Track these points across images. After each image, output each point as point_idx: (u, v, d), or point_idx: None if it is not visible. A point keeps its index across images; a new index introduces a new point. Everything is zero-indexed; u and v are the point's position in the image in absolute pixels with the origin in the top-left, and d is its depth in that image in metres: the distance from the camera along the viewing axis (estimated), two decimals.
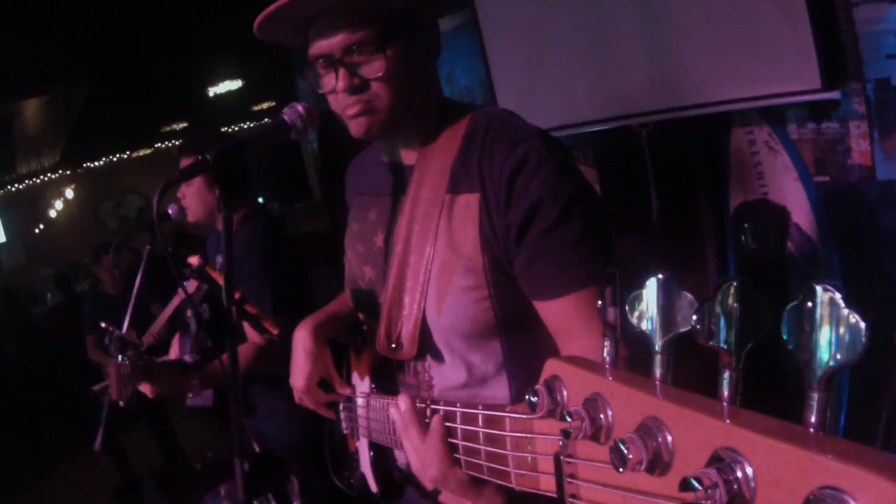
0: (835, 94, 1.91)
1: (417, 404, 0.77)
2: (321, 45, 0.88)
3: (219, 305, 0.80)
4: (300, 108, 0.93)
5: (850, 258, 2.09)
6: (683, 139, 2.65)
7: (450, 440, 0.64)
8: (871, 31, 1.80)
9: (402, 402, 0.75)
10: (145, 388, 1.63)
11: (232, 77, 6.71)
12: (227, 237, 0.84)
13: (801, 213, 2.26)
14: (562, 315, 0.86)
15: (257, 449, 1.79)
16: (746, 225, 2.45)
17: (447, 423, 0.65)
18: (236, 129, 8.72)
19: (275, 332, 0.99)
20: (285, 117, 0.93)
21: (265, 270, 1.82)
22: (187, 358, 1.63)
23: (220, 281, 0.87)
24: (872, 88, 1.86)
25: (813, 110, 2.09)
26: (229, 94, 6.84)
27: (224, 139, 0.84)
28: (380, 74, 0.87)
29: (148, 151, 9.57)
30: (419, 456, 0.71)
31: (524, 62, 3.15)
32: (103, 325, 1.66)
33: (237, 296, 0.81)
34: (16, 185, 9.18)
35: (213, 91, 6.78)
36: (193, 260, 1.17)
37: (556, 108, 2.93)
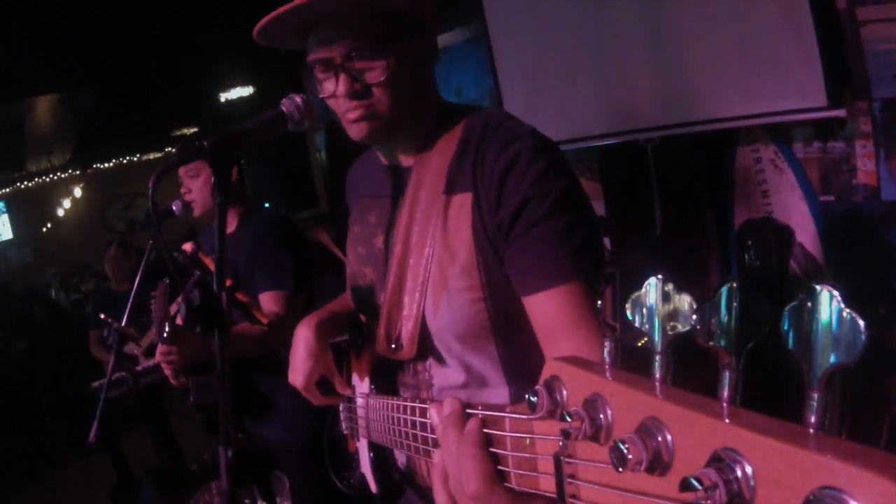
0: (840, 112, 1.91)
1: (417, 404, 0.77)
2: (321, 51, 0.89)
3: (210, 292, 0.80)
4: (298, 99, 0.94)
5: (854, 278, 2.08)
6: (689, 155, 2.66)
7: None
8: (879, 51, 1.81)
9: (448, 405, 0.59)
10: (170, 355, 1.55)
11: (244, 83, 6.77)
12: (220, 225, 0.84)
13: (805, 231, 2.26)
14: (547, 311, 0.85)
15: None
16: (750, 242, 2.45)
17: None
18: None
19: (265, 321, 0.99)
20: (283, 108, 0.94)
21: (285, 248, 1.86)
22: None
23: (213, 267, 0.87)
24: (879, 108, 1.87)
25: (819, 129, 2.10)
26: (241, 100, 6.89)
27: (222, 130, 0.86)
28: (381, 80, 0.88)
29: (158, 155, 9.63)
30: (456, 468, 0.55)
31: (532, 76, 3.17)
32: (102, 316, 1.66)
33: (228, 283, 0.81)
34: (25, 183, 9.25)
35: (224, 97, 6.84)
36: (187, 246, 1.18)
37: (563, 121, 2.94)
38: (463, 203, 0.90)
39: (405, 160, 1.01)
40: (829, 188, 2.13)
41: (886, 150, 1.90)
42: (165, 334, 1.47)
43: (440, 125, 0.97)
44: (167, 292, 1.54)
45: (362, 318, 1.15)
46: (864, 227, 2.02)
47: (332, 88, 0.90)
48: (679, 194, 2.75)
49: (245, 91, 6.84)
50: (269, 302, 1.78)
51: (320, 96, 0.94)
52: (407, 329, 0.95)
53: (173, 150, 9.30)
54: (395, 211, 1.02)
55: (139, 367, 2.63)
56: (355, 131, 0.93)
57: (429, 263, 0.93)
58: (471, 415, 0.57)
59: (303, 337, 1.09)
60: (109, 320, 1.64)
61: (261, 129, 0.94)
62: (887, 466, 0.29)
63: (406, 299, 0.95)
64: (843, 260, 2.14)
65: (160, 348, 1.54)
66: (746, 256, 2.48)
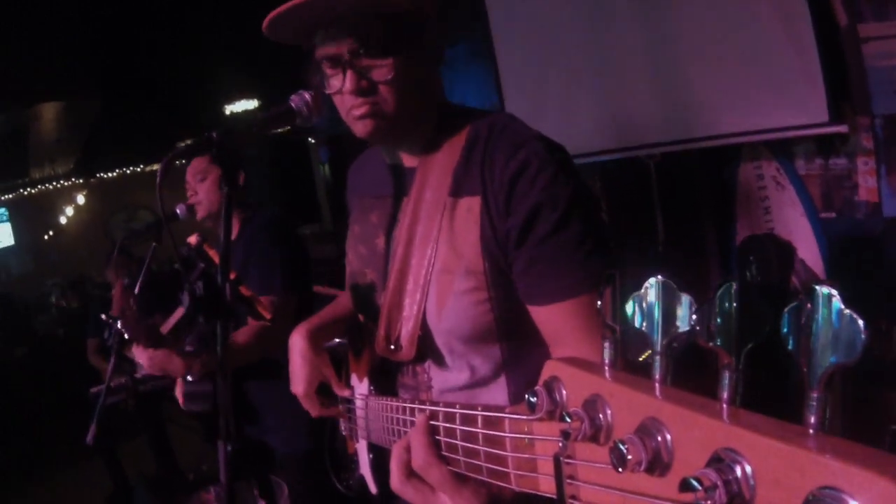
0: (842, 128, 1.92)
1: (416, 405, 0.77)
2: (330, 47, 0.90)
3: (213, 284, 0.80)
4: (307, 95, 0.94)
5: (856, 294, 2.08)
6: (691, 171, 2.67)
7: (449, 440, 0.64)
8: (880, 67, 1.83)
9: (421, 417, 0.71)
10: (142, 357, 1.54)
11: (249, 96, 6.83)
12: (226, 216, 0.84)
13: (806, 248, 2.26)
14: (556, 321, 0.86)
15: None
16: (752, 258, 2.45)
17: (446, 424, 0.64)
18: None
19: (268, 315, 0.98)
20: (291, 104, 0.94)
21: (276, 249, 1.85)
22: (188, 348, 1.61)
23: (217, 260, 0.87)
24: (880, 124, 1.88)
25: (821, 146, 2.10)
26: (245, 112, 6.94)
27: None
28: (388, 78, 0.89)
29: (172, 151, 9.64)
30: (408, 449, 0.68)
31: (535, 91, 3.19)
32: (103, 316, 1.65)
33: (232, 276, 0.81)
34: (28, 190, 9.29)
35: (229, 109, 6.89)
36: (192, 239, 1.17)
37: (566, 136, 2.92)
38: (471, 207, 0.90)
39: (408, 160, 1.02)
40: (830, 205, 2.14)
41: (888, 166, 1.91)
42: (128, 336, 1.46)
43: (444, 126, 0.97)
44: (127, 294, 1.53)
45: (361, 318, 1.14)
46: (866, 244, 2.02)
47: (339, 85, 0.90)
48: (681, 210, 2.75)
49: (250, 104, 6.90)
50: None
51: (327, 92, 0.94)
52: (406, 330, 0.95)
53: (177, 162, 9.31)
54: (397, 211, 1.02)
55: (138, 375, 2.63)
56: (360, 128, 0.93)
57: (431, 265, 0.92)
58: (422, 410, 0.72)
59: (296, 345, 1.08)
60: (111, 321, 1.63)
61: (269, 123, 0.94)
62: (887, 466, 0.29)
63: (406, 300, 0.95)
64: (845, 276, 2.14)
65: (135, 349, 1.52)
66: (748, 272, 2.48)
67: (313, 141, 6.90)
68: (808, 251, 2.25)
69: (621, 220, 3.04)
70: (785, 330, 0.35)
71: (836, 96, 1.89)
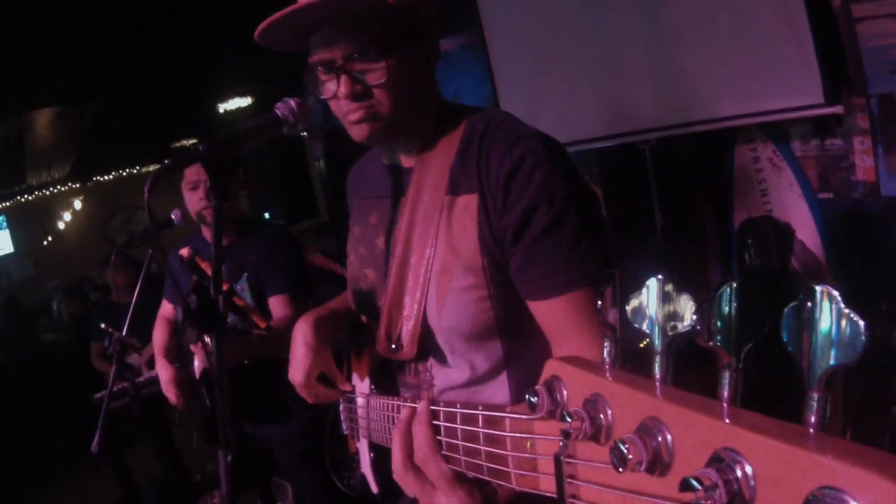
0: (837, 109, 1.91)
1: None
2: (323, 52, 0.89)
3: (207, 296, 0.80)
4: (292, 102, 0.94)
5: (855, 274, 2.08)
6: (687, 156, 2.67)
7: (450, 440, 0.64)
8: (875, 47, 1.82)
9: (422, 404, 0.72)
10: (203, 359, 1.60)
11: (242, 94, 6.78)
12: (216, 229, 0.84)
13: (805, 229, 2.26)
14: (554, 316, 0.86)
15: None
16: (750, 241, 2.45)
17: (447, 424, 0.64)
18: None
19: (262, 325, 0.98)
20: (277, 112, 0.94)
21: (296, 257, 1.99)
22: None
23: (209, 272, 0.87)
24: (876, 104, 1.87)
25: (817, 127, 2.10)
26: (239, 111, 6.90)
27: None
28: (382, 81, 0.88)
29: (157, 167, 9.62)
30: (409, 438, 0.70)
31: (530, 80, 3.18)
32: (103, 325, 1.66)
33: (225, 287, 0.81)
34: (25, 196, 9.27)
35: (223, 108, 6.85)
36: (184, 251, 1.17)
37: (562, 124, 2.95)
38: (468, 204, 0.90)
39: (406, 160, 1.02)
40: (827, 185, 2.14)
41: (885, 145, 1.90)
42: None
43: (441, 125, 0.97)
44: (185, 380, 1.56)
45: (363, 319, 1.14)
46: (864, 223, 2.02)
47: (334, 90, 0.90)
48: (678, 196, 2.75)
49: (243, 102, 6.86)
50: (280, 304, 1.87)
51: (322, 97, 0.94)
52: (407, 329, 0.95)
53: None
54: (395, 211, 1.02)
55: (141, 379, 2.64)
56: (357, 133, 0.93)
57: (430, 264, 0.93)
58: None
59: (301, 333, 1.07)
60: (110, 330, 1.64)
61: (255, 132, 0.93)
62: (887, 466, 0.29)
63: (406, 299, 0.95)
64: (844, 256, 2.14)
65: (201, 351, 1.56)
66: (747, 255, 2.48)
67: (305, 135, 6.89)
68: (807, 232, 2.25)
69: (618, 207, 3.04)
70: (785, 330, 0.35)
71: (831, 77, 1.88)
